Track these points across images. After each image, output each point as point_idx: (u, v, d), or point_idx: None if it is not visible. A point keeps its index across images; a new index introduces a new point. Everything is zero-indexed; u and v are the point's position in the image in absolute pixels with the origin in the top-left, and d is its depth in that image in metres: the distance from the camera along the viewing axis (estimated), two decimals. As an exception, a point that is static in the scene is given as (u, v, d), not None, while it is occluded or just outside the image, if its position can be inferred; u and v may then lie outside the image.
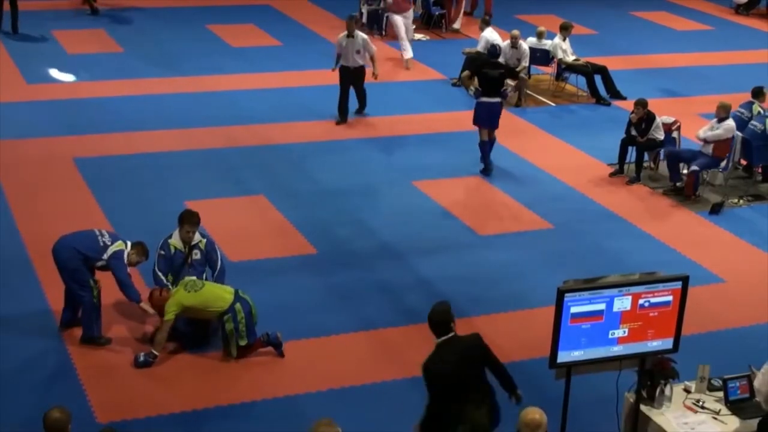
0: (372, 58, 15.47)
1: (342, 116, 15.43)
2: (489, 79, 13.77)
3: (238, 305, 8.97)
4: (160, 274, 9.43)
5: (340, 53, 15.35)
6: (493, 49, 14.69)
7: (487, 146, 13.83)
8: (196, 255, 9.49)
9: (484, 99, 13.75)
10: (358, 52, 15.20)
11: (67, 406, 6.32)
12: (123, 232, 11.26)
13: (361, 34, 15.33)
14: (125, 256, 9.17)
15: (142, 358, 9.01)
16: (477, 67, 14.31)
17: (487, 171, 13.86)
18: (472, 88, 14.59)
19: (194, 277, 9.22)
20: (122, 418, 8.26)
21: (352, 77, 15.33)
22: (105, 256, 9.11)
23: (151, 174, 13.24)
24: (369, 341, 9.71)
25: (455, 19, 21.64)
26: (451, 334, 7.04)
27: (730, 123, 13.34)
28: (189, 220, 9.46)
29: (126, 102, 16.00)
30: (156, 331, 9.12)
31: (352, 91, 15.52)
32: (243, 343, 9.02)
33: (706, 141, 13.29)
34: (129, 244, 9.29)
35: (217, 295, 9.02)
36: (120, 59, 18.33)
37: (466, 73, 14.82)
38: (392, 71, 18.34)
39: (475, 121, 13.84)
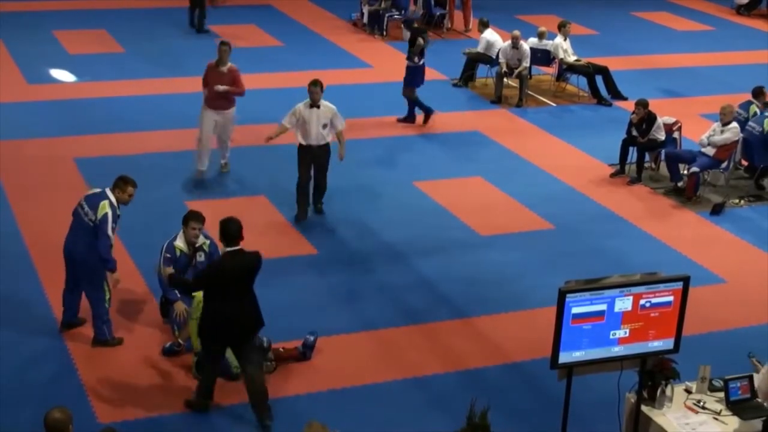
0: (339, 135, 12.07)
1: (302, 210, 12.13)
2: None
3: None
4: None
5: (288, 126, 12.03)
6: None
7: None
8: (200, 257, 9.48)
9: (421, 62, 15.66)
10: (324, 126, 11.90)
11: (67, 406, 6.31)
12: (123, 232, 11.27)
13: (329, 105, 11.98)
14: (110, 216, 8.93)
15: (168, 346, 9.14)
16: (421, 33, 16.00)
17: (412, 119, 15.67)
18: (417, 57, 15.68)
19: None
20: (122, 418, 8.25)
21: (314, 158, 12.00)
22: (99, 232, 8.94)
23: (151, 174, 13.22)
24: (369, 341, 9.71)
25: (467, 22, 21.68)
26: (238, 247, 8.11)
27: (736, 126, 13.33)
28: (195, 217, 9.43)
29: (126, 102, 16.00)
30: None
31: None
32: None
33: (713, 146, 13.25)
34: (109, 192, 9.09)
35: None
36: (121, 59, 18.34)
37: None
38: (393, 71, 18.32)
39: (420, 83, 15.63)
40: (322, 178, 12.17)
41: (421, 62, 15.72)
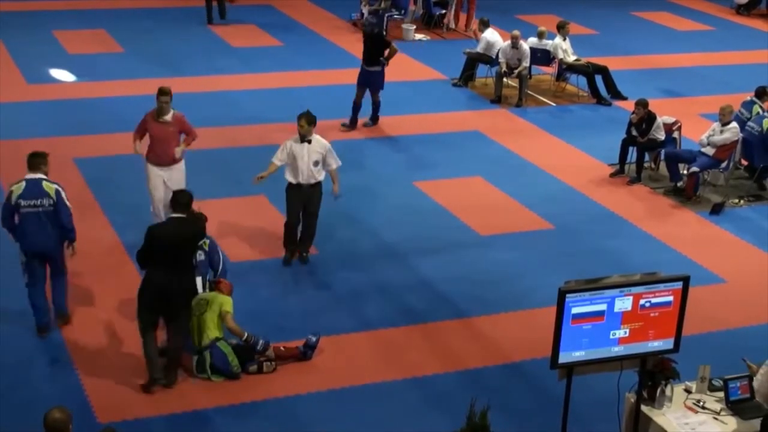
0: (333, 174, 11.02)
1: (291, 252, 11.14)
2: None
3: (219, 344, 8.91)
4: None
5: (278, 164, 10.86)
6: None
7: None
8: (201, 256, 9.47)
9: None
10: (316, 163, 10.79)
11: (67, 406, 6.32)
12: (123, 231, 11.32)
13: (321, 140, 10.86)
14: (60, 188, 9.25)
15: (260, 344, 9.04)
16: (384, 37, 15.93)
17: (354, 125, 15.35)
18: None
19: (205, 296, 9.07)
20: (122, 418, 8.26)
21: (305, 198, 10.85)
22: (60, 206, 9.19)
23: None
24: (369, 341, 9.71)
25: (469, 23, 21.72)
26: (184, 215, 8.52)
27: (736, 126, 13.33)
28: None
29: (126, 102, 15.98)
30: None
31: None
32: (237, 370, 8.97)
33: (712, 146, 13.26)
34: (36, 174, 9.30)
35: (211, 323, 8.97)
36: (120, 59, 18.33)
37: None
38: (393, 71, 18.31)
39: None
40: (311, 220, 10.96)
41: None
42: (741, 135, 13.50)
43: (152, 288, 8.47)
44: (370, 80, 15.28)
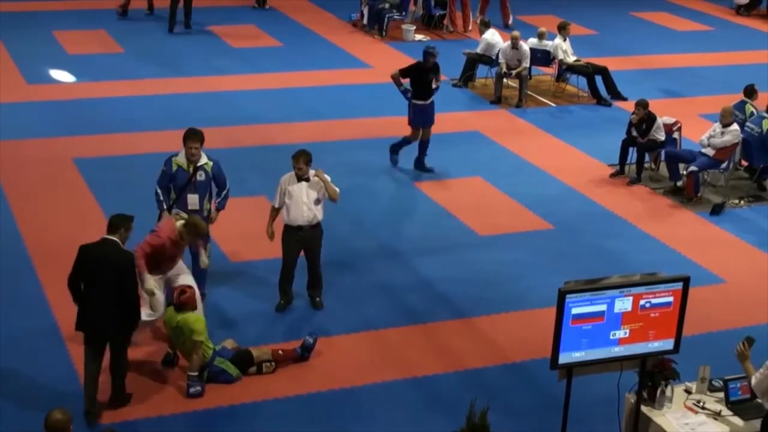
0: (332, 198, 9.98)
1: (286, 298, 10.12)
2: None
3: (216, 363, 8.81)
4: (160, 191, 9.57)
5: (278, 206, 9.88)
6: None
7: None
8: (201, 176, 9.52)
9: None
10: (317, 201, 9.87)
11: (67, 407, 6.32)
12: (123, 232, 11.27)
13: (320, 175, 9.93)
14: None
15: (165, 357, 8.94)
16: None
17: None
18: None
19: (174, 320, 8.73)
20: (122, 418, 8.25)
21: (304, 242, 9.95)
22: None
23: (151, 174, 13.13)
24: (369, 341, 9.71)
25: (467, 23, 21.71)
26: (112, 237, 8.15)
27: (737, 128, 13.33)
28: (192, 136, 9.41)
29: (126, 102, 16.00)
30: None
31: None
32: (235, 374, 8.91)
33: (713, 147, 13.26)
34: None
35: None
36: (120, 59, 18.33)
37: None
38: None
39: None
40: (314, 263, 10.11)
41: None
42: (741, 136, 13.49)
43: (82, 308, 8.17)
44: (427, 116, 13.88)
